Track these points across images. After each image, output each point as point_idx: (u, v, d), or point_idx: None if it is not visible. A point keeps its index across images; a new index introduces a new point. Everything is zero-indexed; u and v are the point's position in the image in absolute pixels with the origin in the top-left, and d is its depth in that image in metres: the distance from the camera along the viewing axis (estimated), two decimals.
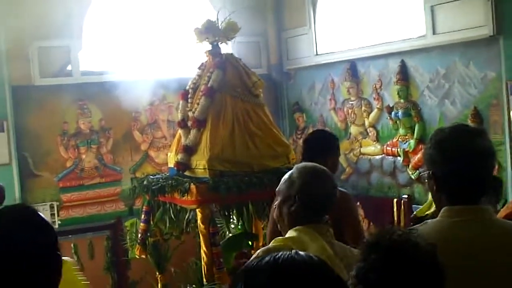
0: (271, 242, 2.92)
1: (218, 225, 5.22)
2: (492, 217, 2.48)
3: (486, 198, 3.51)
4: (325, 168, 3.05)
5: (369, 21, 7.57)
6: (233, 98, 5.23)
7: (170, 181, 5.12)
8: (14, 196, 7.14)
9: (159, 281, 5.65)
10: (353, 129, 7.87)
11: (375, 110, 7.50)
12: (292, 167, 4.66)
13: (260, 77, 5.48)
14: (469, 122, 6.00)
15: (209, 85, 5.20)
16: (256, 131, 5.19)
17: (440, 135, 2.48)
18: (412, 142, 6.97)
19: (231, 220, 5.42)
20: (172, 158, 5.41)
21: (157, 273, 5.64)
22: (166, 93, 8.14)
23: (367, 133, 7.67)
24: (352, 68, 7.71)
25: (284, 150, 5.30)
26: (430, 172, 2.47)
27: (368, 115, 7.60)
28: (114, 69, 7.91)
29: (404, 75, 6.98)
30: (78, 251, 7.27)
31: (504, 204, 5.66)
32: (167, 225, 5.38)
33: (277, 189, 3.04)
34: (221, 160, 5.03)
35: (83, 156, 7.78)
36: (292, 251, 1.47)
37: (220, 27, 5.37)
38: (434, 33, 6.52)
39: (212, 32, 5.33)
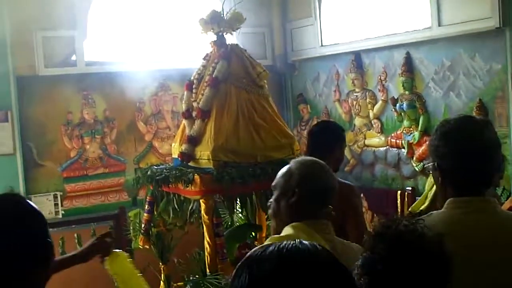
0: (267, 240, 2.87)
1: (222, 216, 5.22)
2: (497, 208, 2.48)
3: None
4: (323, 162, 3.00)
5: (374, 12, 7.54)
6: (237, 89, 5.22)
7: (174, 172, 5.11)
8: (18, 186, 7.16)
9: (162, 272, 5.65)
10: (358, 121, 7.85)
11: (380, 102, 7.49)
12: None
13: (265, 68, 5.46)
14: (474, 115, 5.98)
15: (213, 75, 5.19)
16: (260, 122, 5.18)
17: (446, 126, 2.48)
18: (416, 134, 6.96)
19: (235, 211, 5.42)
20: (176, 149, 5.41)
21: (160, 264, 5.65)
22: (171, 84, 8.14)
23: (372, 125, 7.66)
24: (357, 60, 7.69)
25: (289, 141, 5.29)
26: (436, 164, 2.47)
27: (373, 106, 7.59)
28: (119, 59, 7.90)
29: (409, 66, 6.97)
30: (82, 241, 7.26)
31: (508, 196, 5.69)
32: (171, 215, 5.38)
33: (273, 184, 2.99)
34: (225, 151, 5.02)
35: (87, 146, 7.78)
36: (296, 240, 1.47)
37: (225, 17, 5.35)
38: (439, 24, 6.50)
39: (217, 22, 5.31)
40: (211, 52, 5.44)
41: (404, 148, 7.17)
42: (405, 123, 7.10)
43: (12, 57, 7.21)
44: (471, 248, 2.26)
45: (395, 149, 7.33)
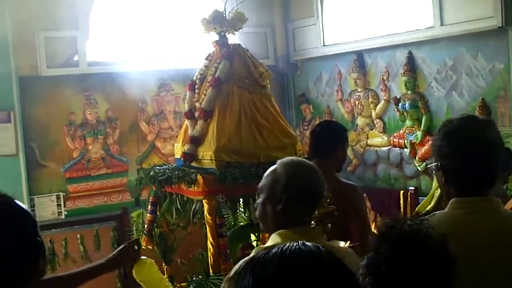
0: (253, 251, 2.77)
1: (225, 216, 5.22)
2: (500, 208, 2.48)
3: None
4: (312, 164, 2.88)
5: (376, 12, 7.54)
6: (240, 89, 5.21)
7: (176, 172, 5.11)
8: (21, 186, 7.17)
9: (165, 272, 5.64)
10: (360, 121, 7.85)
11: (382, 102, 7.48)
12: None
13: (267, 68, 5.45)
14: (477, 114, 5.97)
15: (216, 76, 5.18)
16: (263, 122, 5.17)
17: (449, 126, 2.48)
18: (419, 133, 6.95)
19: (238, 211, 5.41)
20: (178, 149, 5.40)
21: (164, 264, 5.64)
22: (173, 84, 8.14)
23: (374, 125, 7.65)
24: (359, 59, 7.69)
25: (291, 141, 5.28)
26: (439, 164, 2.47)
27: (375, 106, 7.59)
28: (121, 59, 7.90)
29: (411, 66, 6.96)
30: (85, 242, 7.26)
31: None
32: (174, 216, 5.37)
33: (259, 185, 2.87)
34: (227, 151, 5.01)
35: (90, 147, 7.78)
36: (299, 242, 1.47)
37: (227, 17, 5.35)
38: (442, 24, 6.49)
39: (219, 22, 5.30)
40: (213, 52, 5.43)
41: (406, 147, 7.17)
42: (408, 122, 7.10)
43: (14, 58, 7.22)
44: (474, 248, 2.25)
45: (398, 148, 7.33)
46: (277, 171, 2.80)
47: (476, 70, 6.30)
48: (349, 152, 7.46)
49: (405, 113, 7.10)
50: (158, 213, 5.50)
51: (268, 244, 2.66)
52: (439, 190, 5.21)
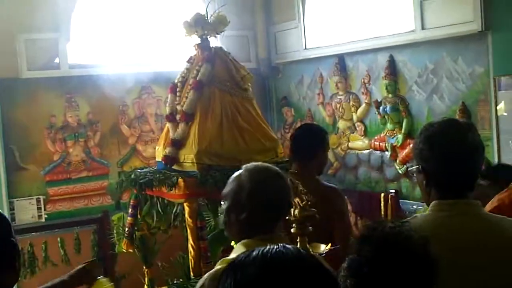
0: (218, 264, 2.68)
1: (206, 219, 5.20)
2: (481, 211, 2.49)
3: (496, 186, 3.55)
4: (277, 169, 2.80)
5: (358, 15, 7.56)
6: (221, 92, 5.21)
7: (157, 175, 5.10)
8: (0, 189, 7.11)
9: (146, 275, 5.63)
10: (341, 124, 7.86)
11: (363, 105, 7.50)
12: (282, 161, 4.64)
13: (249, 71, 5.46)
14: (457, 117, 6.00)
15: (197, 78, 5.18)
16: (244, 125, 5.17)
17: (430, 130, 2.49)
18: (400, 136, 6.97)
19: (219, 214, 5.40)
20: (160, 152, 5.39)
21: (144, 267, 5.63)
22: (154, 87, 8.11)
23: (355, 128, 7.67)
24: (341, 63, 7.70)
25: (273, 144, 5.29)
26: (420, 167, 2.48)
27: (356, 109, 7.60)
28: (102, 62, 7.87)
29: (392, 70, 6.99)
30: (65, 245, 7.23)
31: None
32: (155, 219, 5.36)
33: (223, 192, 2.80)
34: (209, 154, 5.01)
35: (70, 150, 7.74)
36: (280, 244, 1.47)
37: (209, 20, 5.35)
38: (423, 28, 6.52)
39: (201, 25, 5.30)
40: (195, 55, 5.43)
41: (387, 150, 7.19)
42: (389, 126, 7.12)
43: None
44: (456, 251, 2.26)
45: (379, 152, 7.35)
46: (241, 177, 2.72)
47: (456, 73, 6.33)
48: (330, 155, 7.47)
49: (386, 116, 7.12)
50: (139, 216, 5.48)
51: (233, 255, 2.56)
52: None
